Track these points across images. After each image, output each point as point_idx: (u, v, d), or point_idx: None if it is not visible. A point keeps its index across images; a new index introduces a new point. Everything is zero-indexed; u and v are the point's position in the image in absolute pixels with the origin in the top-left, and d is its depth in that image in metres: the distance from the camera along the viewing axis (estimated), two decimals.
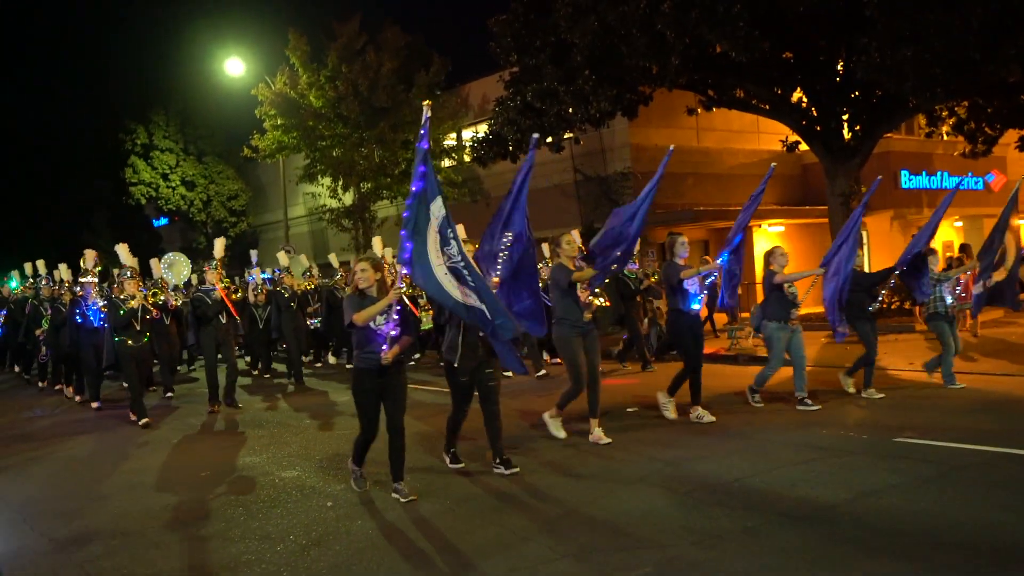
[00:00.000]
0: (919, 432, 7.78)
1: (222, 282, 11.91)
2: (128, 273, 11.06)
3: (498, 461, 7.14)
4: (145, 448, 9.52)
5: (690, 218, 20.67)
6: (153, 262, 14.20)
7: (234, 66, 26.67)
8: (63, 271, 15.03)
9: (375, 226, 27.00)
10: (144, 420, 10.65)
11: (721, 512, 5.74)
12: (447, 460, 7.45)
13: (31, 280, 16.75)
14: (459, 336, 7.00)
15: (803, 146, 18.99)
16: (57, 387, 14.82)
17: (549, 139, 17.86)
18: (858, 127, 17.19)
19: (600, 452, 7.79)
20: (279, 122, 25.42)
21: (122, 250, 11.87)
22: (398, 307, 6.36)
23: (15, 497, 7.55)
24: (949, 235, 25.61)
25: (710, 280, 9.27)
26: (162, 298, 12.31)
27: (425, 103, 7.32)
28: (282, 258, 15.82)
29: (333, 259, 17.39)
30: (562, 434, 8.39)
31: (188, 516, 6.51)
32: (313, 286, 16.66)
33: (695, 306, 8.88)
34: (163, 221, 35.27)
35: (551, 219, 21.44)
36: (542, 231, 21.72)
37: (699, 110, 18.86)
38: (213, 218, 34.53)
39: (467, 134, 25.71)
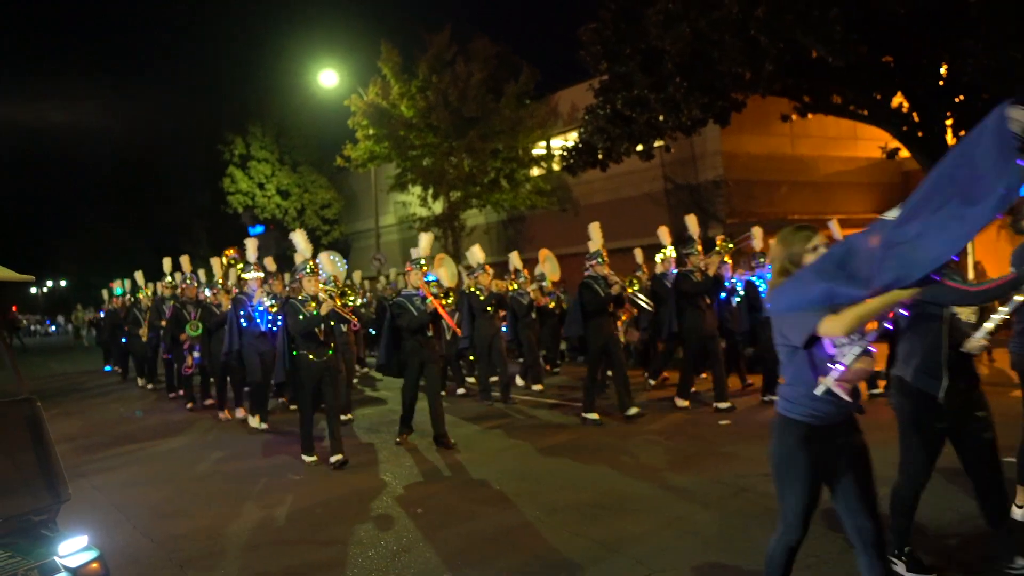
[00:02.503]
0: None
1: (430, 285, 9.46)
2: (308, 268, 8.71)
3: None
4: (262, 461, 9.74)
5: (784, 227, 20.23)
6: (323, 256, 12.10)
7: (328, 78, 27.24)
8: (216, 268, 12.72)
9: (464, 234, 27.20)
10: (311, 458, 8.61)
11: (818, 530, 5.55)
12: (902, 567, 4.76)
13: (169, 280, 15.03)
14: (940, 347, 4.46)
15: (904, 153, 18.37)
16: (208, 402, 12.94)
17: (639, 147, 17.70)
18: (963, 132, 16.54)
19: (692, 466, 7.64)
20: (371, 132, 25.85)
21: (299, 238, 9.27)
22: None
23: (121, 497, 7.80)
24: None
25: None
26: (352, 299, 9.42)
27: None
28: (475, 253, 13.03)
29: (515, 259, 14.45)
30: None
31: (280, 519, 6.63)
32: (515, 288, 13.72)
33: None
34: (259, 229, 36.27)
35: (640, 228, 21.23)
36: (630, 240, 21.56)
37: (794, 116, 18.41)
38: (307, 226, 35.36)
39: (556, 143, 25.69)
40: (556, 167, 23.75)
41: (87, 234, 58.75)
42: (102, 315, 23.41)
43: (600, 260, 10.36)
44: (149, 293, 17.40)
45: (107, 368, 22.08)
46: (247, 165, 34.98)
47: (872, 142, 20.76)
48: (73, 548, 3.72)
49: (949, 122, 16.66)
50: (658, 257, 12.52)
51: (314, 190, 35.75)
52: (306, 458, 8.63)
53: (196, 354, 12.74)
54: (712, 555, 5.25)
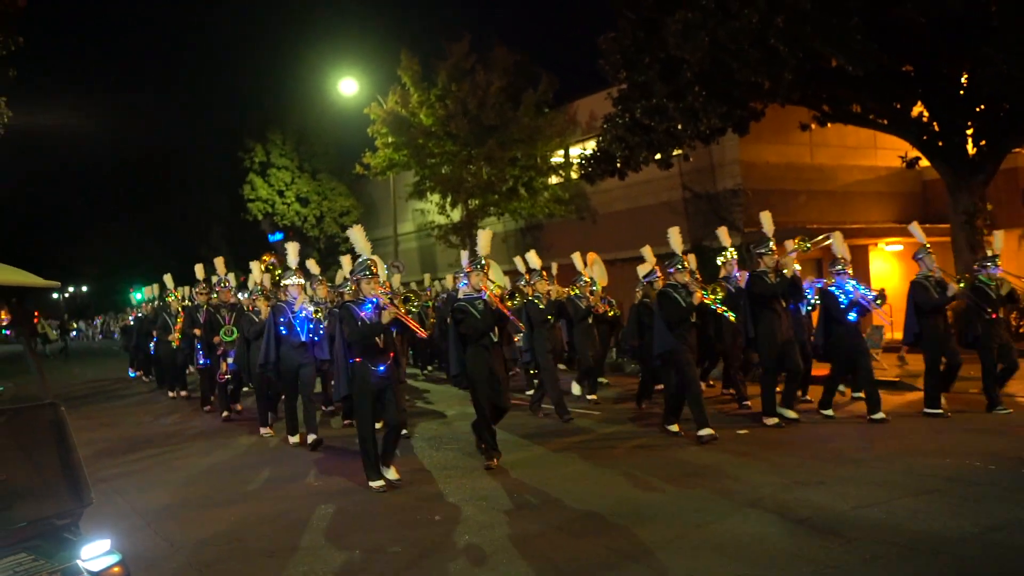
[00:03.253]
0: None
1: (492, 286, 8.65)
2: (367, 270, 7.82)
3: None
4: (270, 463, 9.79)
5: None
6: (346, 260, 11.11)
7: (348, 86, 27.36)
8: (256, 271, 11.90)
9: None
10: (379, 482, 7.60)
11: (837, 541, 5.53)
12: None
13: (202, 284, 14.15)
14: None
15: (924, 162, 18.29)
16: (224, 413, 12.55)
17: (657, 156, 17.70)
18: (983, 142, 16.44)
19: (710, 475, 7.62)
20: (390, 140, 25.94)
21: (357, 235, 8.27)
22: None
23: (142, 502, 7.86)
24: None
25: None
26: (415, 304, 8.26)
27: None
28: (531, 258, 12.14)
29: (578, 261, 13.08)
30: None
31: (300, 526, 6.66)
32: (575, 293, 12.67)
33: None
34: (278, 236, 36.44)
35: (659, 237, 21.17)
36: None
37: (813, 125, 18.38)
38: (326, 233, 35.53)
39: (575, 151, 25.70)
40: (574, 175, 23.75)
41: (107, 240, 59.29)
42: (131, 320, 22.90)
43: (681, 266, 9.50)
44: (179, 296, 16.55)
45: (132, 374, 21.84)
46: (267, 172, 35.20)
47: (891, 151, 20.66)
48: (95, 552, 3.76)
49: (969, 131, 16.58)
50: (719, 259, 11.71)
51: (333, 197, 35.93)
52: (373, 484, 7.59)
53: (231, 360, 12.16)
54: (729, 565, 5.24)
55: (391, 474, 7.77)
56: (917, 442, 8.59)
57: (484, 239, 8.95)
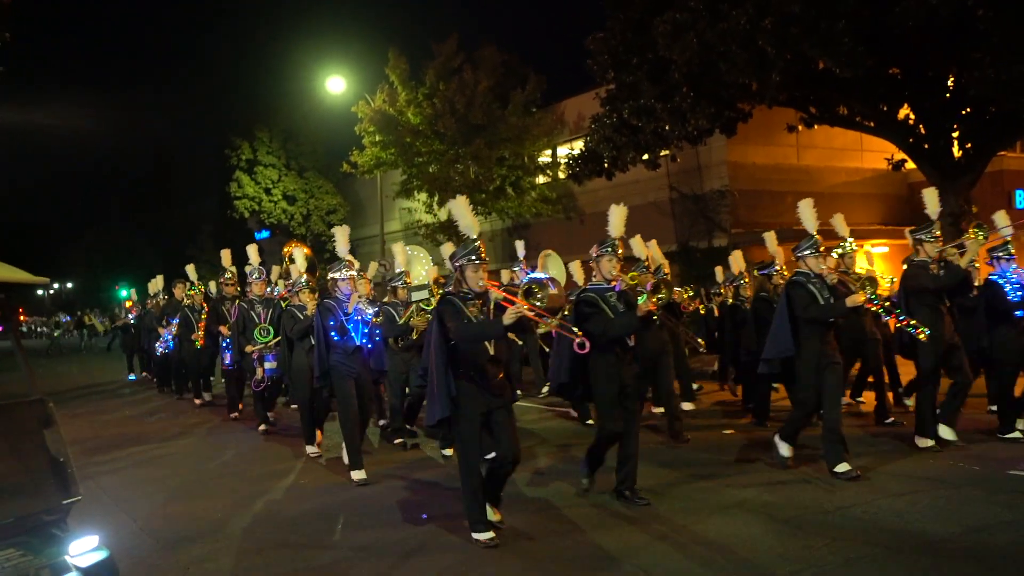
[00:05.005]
0: None
1: (628, 278, 7.29)
2: (476, 253, 6.12)
3: None
4: (260, 462, 9.77)
5: (790, 238, 20.20)
6: (397, 247, 9.93)
7: (335, 84, 27.31)
8: (300, 259, 10.31)
9: None
10: (488, 535, 5.83)
11: (821, 541, 5.57)
12: None
13: (228, 275, 12.67)
14: None
15: (909, 164, 18.40)
16: (262, 428, 10.94)
17: (645, 156, 17.75)
18: (969, 144, 16.55)
19: (696, 475, 7.65)
20: (377, 138, 25.92)
21: (461, 207, 6.51)
22: None
23: (127, 498, 7.83)
24: None
25: None
26: (540, 297, 5.85)
27: None
28: (637, 245, 10.09)
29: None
30: None
31: (287, 524, 6.66)
32: (692, 292, 10.82)
33: None
34: (264, 234, 36.34)
35: (646, 236, 21.19)
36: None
37: (800, 127, 18.47)
38: (312, 231, 35.45)
39: (562, 151, 25.75)
40: (562, 175, 23.79)
41: (95, 237, 59.03)
42: (131, 318, 20.68)
43: (814, 250, 7.69)
44: (203, 290, 14.98)
45: (132, 377, 20.31)
46: (254, 170, 35.10)
47: (878, 153, 20.78)
48: (83, 548, 3.76)
49: (955, 134, 16.69)
50: (836, 252, 10.07)
51: (320, 196, 35.87)
52: (478, 537, 5.84)
53: (268, 365, 10.70)
54: (713, 564, 5.27)
55: (493, 516, 6.08)
56: (900, 444, 8.64)
57: (618, 216, 7.25)
